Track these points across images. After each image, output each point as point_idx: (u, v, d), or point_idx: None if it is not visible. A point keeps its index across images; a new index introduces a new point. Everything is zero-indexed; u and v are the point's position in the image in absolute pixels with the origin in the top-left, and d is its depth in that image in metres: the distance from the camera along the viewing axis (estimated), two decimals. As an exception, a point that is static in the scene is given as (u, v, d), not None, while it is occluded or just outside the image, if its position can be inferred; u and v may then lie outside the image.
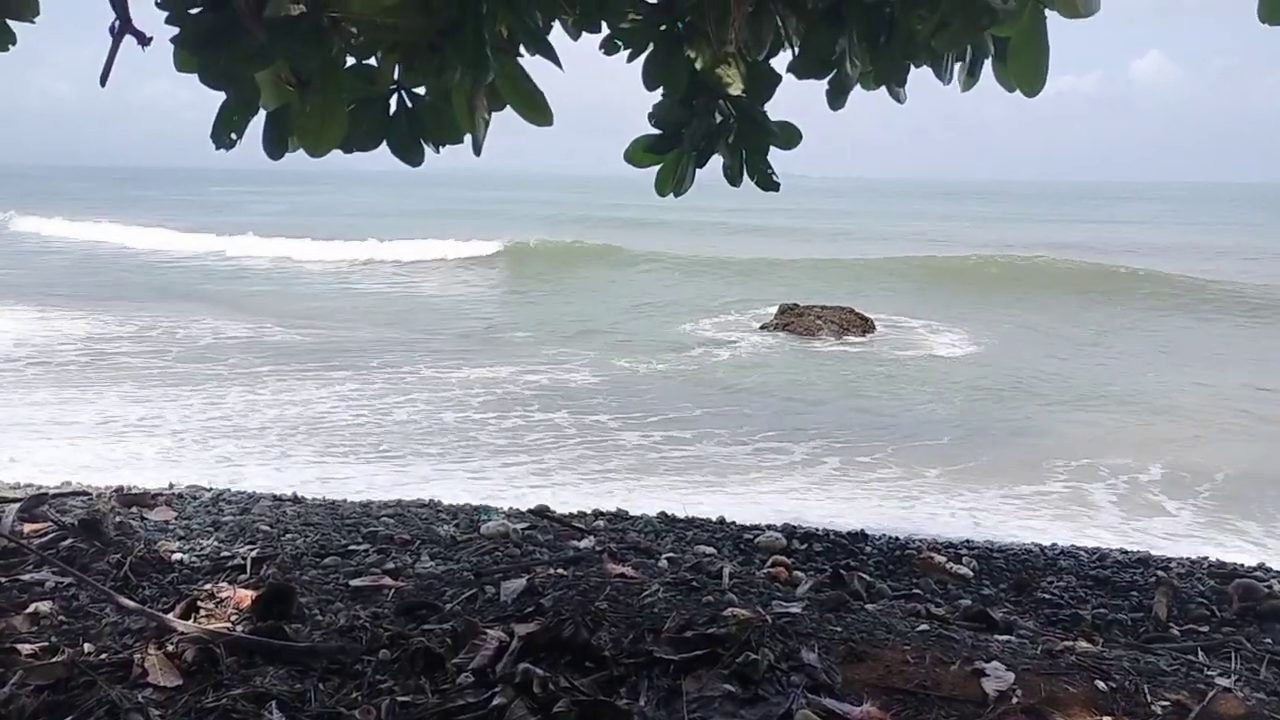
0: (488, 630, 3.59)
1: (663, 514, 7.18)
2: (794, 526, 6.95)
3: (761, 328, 21.11)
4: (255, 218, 50.44)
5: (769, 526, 6.90)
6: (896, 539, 6.76)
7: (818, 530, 6.87)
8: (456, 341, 17.83)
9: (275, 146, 2.88)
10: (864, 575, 5.31)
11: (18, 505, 5.21)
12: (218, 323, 19.25)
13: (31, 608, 3.78)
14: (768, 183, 3.46)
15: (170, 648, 3.38)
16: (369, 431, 11.10)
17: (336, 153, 2.85)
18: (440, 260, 31.45)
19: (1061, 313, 23.10)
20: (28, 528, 4.84)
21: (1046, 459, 10.80)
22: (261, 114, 2.83)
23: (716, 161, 3.50)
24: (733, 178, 3.45)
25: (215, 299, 23.14)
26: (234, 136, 2.89)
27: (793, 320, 21.20)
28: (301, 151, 2.85)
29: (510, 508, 7.05)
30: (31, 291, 22.95)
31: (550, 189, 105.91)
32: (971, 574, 5.80)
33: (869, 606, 4.49)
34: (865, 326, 21.00)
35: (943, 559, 5.97)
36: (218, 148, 2.89)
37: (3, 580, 4.06)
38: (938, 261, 30.72)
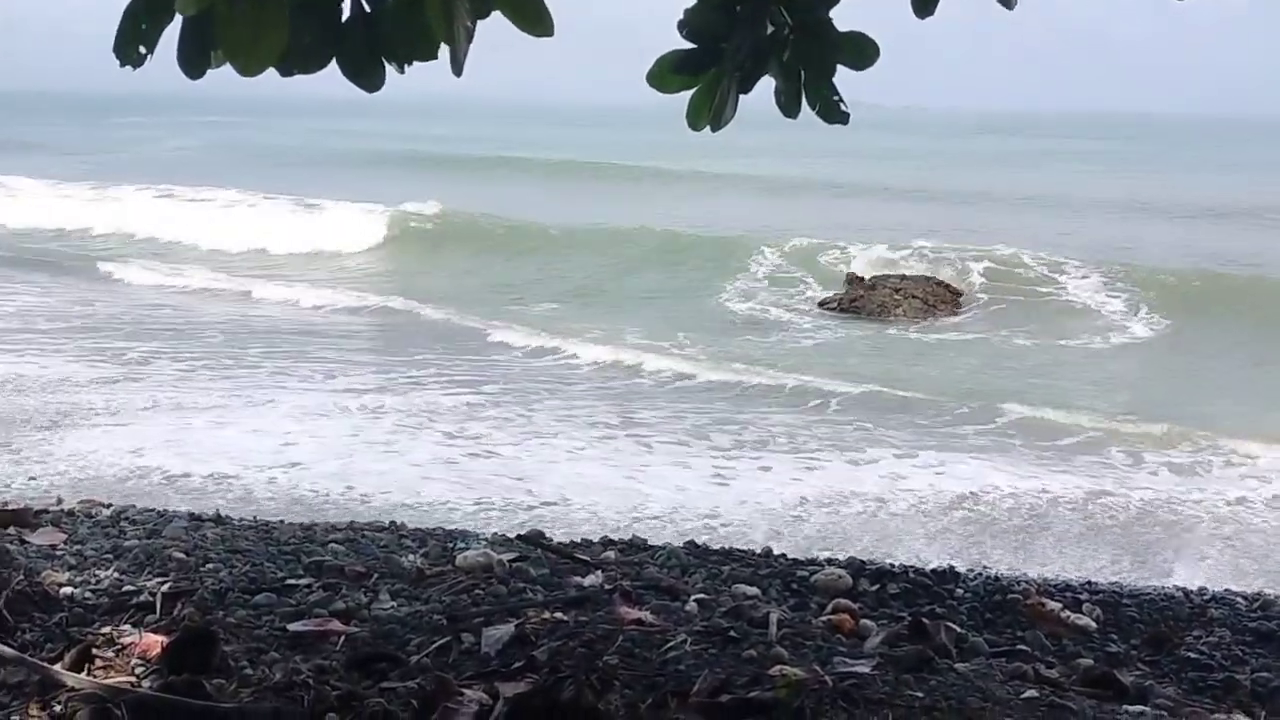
0: (465, 690, 3.61)
1: (690, 543, 7.20)
2: (862, 562, 6.95)
3: (822, 305, 21.57)
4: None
5: (830, 561, 6.89)
6: (996, 579, 6.75)
7: (893, 567, 6.86)
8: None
9: (194, 63, 2.89)
10: (953, 625, 5.30)
11: None
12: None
13: (-121, 654, 3.82)
14: (833, 113, 3.45)
15: (58, 707, 3.42)
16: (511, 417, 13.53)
17: (273, 74, 2.86)
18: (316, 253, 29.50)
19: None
20: (-126, 552, 4.91)
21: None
22: (178, 22, 2.84)
23: (765, 86, 3.49)
24: (788, 106, 3.44)
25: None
26: (143, 50, 2.90)
27: (862, 295, 21.51)
28: (228, 70, 2.86)
29: (495, 533, 7.09)
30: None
31: (553, 122, 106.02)
32: (1094, 625, 5.78)
33: (959, 666, 4.49)
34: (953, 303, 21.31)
35: (1057, 605, 5.95)
36: (123, 64, 2.90)
37: None
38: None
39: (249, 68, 2.72)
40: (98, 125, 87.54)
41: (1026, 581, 6.85)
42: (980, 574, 6.96)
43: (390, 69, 3.01)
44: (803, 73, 3.41)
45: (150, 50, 2.92)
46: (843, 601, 5.71)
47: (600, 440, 12.72)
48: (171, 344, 17.37)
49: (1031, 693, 4.09)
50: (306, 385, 14.91)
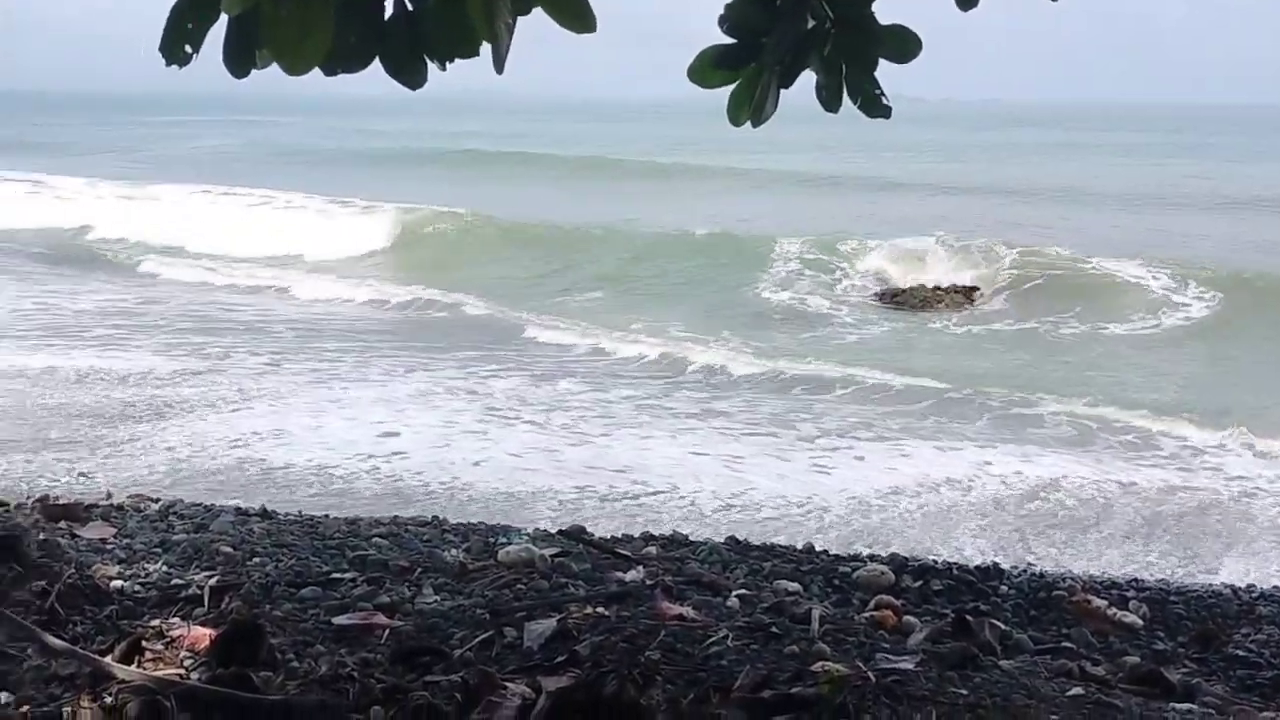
0: (507, 684, 3.63)
1: (732, 539, 7.20)
2: (904, 558, 6.93)
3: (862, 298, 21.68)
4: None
5: (871, 557, 6.88)
6: (1040, 576, 6.71)
7: (936, 563, 6.84)
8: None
9: (239, 63, 2.92)
10: (997, 622, 5.28)
11: (-82, 518, 5.37)
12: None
13: (-65, 647, 3.89)
14: (875, 106, 3.44)
15: (108, 699, 3.47)
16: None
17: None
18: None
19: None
20: (-71, 547, 4.98)
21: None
22: (223, 21, 2.87)
23: (805, 80, 3.48)
24: (829, 100, 3.43)
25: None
26: (189, 49, 2.94)
27: (904, 290, 21.62)
28: (273, 69, 2.89)
29: (536, 528, 7.13)
30: None
31: (587, 118, 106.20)
32: (1141, 623, 5.75)
33: (1003, 663, 4.47)
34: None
35: (1103, 602, 5.92)
36: (169, 63, 2.94)
37: (-100, 611, 4.18)
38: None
39: (295, 67, 2.75)
40: (135, 125, 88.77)
41: (1072, 578, 6.81)
42: (1025, 571, 6.92)
43: (432, 66, 3.03)
44: (844, 66, 3.39)
45: (196, 50, 2.96)
46: (885, 598, 5.70)
47: (685, 430, 12.99)
48: (245, 339, 17.87)
49: (1077, 690, 4.06)
50: (387, 377, 15.29)
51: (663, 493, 10.54)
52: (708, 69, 3.40)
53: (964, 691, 3.81)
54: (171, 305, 20.88)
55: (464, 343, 17.99)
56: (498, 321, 19.90)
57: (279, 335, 18.35)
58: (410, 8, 2.92)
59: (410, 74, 2.98)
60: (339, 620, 4.41)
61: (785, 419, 13.54)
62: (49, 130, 78.17)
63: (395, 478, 10.79)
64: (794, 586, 5.83)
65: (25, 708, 3.49)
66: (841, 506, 10.26)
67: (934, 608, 5.71)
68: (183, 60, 2.96)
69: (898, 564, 6.59)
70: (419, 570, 5.37)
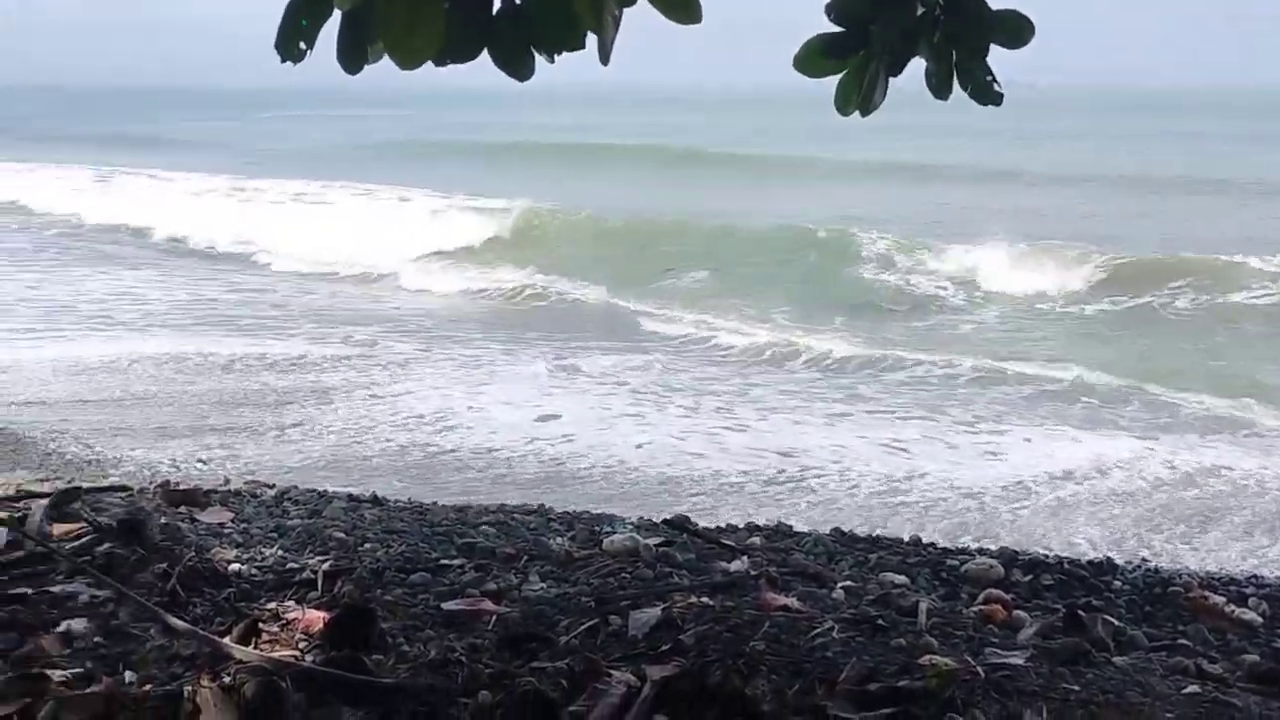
0: (613, 671, 3.66)
1: (837, 530, 7.17)
2: (1015, 553, 6.84)
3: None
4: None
5: (981, 551, 6.80)
6: (1155, 571, 6.58)
7: (1047, 557, 6.74)
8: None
9: (353, 58, 2.98)
10: (1110, 618, 5.18)
11: (46, 502, 5.56)
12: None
13: (63, 626, 4.04)
14: (986, 93, 3.39)
15: (227, 679, 3.57)
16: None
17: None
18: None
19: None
20: (58, 529, 5.17)
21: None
22: (336, 17, 2.93)
23: (914, 68, 3.44)
24: (939, 87, 3.39)
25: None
26: (303, 46, 3.00)
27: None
28: (384, 64, 2.94)
29: (641, 517, 7.17)
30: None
31: (682, 109, 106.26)
32: (1261, 620, 5.60)
33: (1117, 660, 4.39)
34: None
35: (1221, 599, 5.78)
36: (284, 59, 3.01)
37: (29, 592, 4.35)
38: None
39: (407, 60, 2.80)
40: (245, 120, 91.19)
41: (1188, 574, 6.66)
42: (1139, 566, 6.78)
43: (539, 59, 3.05)
44: (954, 53, 3.35)
45: (310, 46, 3.02)
46: (994, 592, 5.63)
47: (839, 416, 13.27)
48: (387, 327, 18.60)
49: (1193, 688, 3.97)
50: (529, 364, 15.84)
51: (825, 474, 10.77)
52: (815, 58, 3.38)
53: (1076, 688, 3.75)
54: (304, 297, 21.68)
55: (590, 332, 18.54)
56: (619, 311, 20.46)
57: (419, 324, 19.08)
58: (518, 1, 2.95)
59: (518, 66, 3.02)
60: (448, 606, 4.47)
61: (928, 404, 13.76)
62: (171, 125, 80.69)
63: (559, 459, 11.23)
64: (901, 579, 5.78)
65: (148, 686, 3.60)
66: (951, 495, 10.24)
67: (1045, 603, 5.62)
68: (298, 57, 3.03)
69: (1007, 558, 6.51)
70: (525, 558, 5.43)
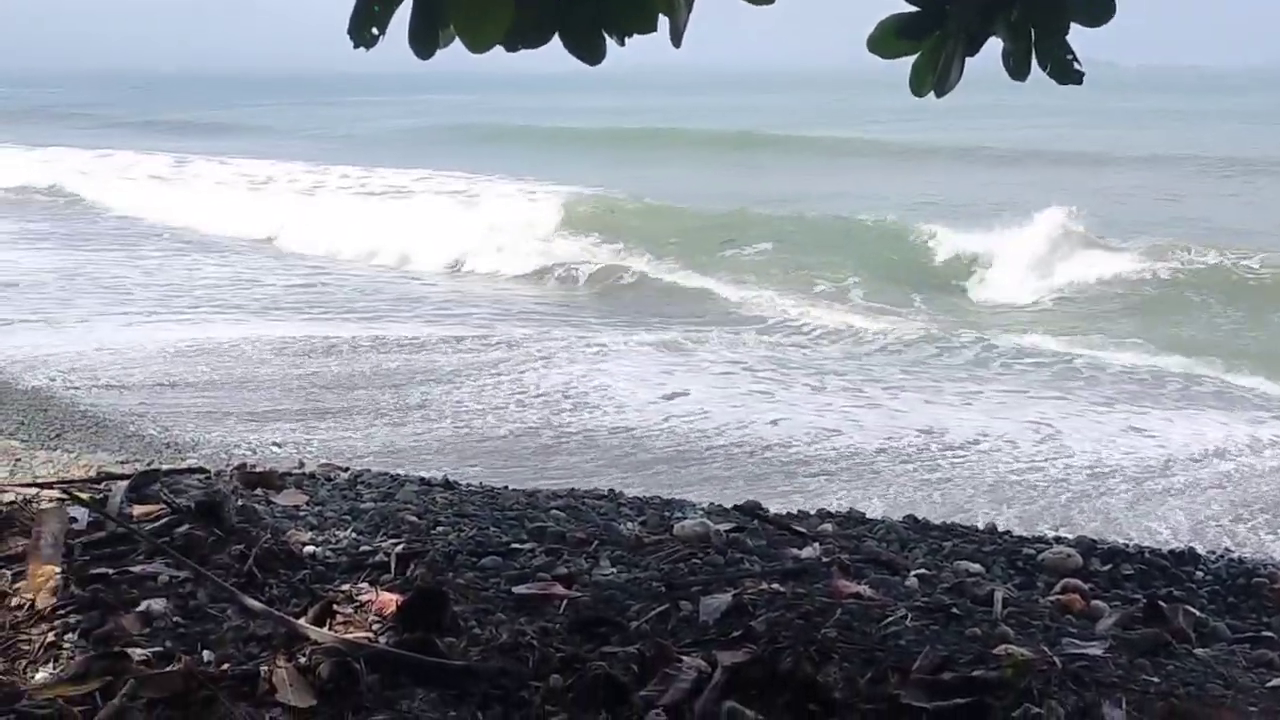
0: (683, 656, 3.66)
1: (910, 517, 7.11)
2: (1094, 541, 6.75)
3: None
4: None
5: (1059, 539, 6.71)
6: (1240, 561, 6.44)
7: (1127, 546, 6.63)
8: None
9: (424, 42, 3.00)
10: (1192, 609, 5.09)
11: (126, 484, 5.68)
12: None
13: (143, 605, 4.12)
14: (1066, 72, 3.32)
15: (302, 660, 3.63)
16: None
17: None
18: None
19: None
20: (137, 510, 5.28)
21: None
22: (408, 2, 2.95)
23: (991, 48, 3.39)
24: (1017, 67, 3.33)
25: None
26: (375, 31, 3.03)
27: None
28: (454, 49, 2.95)
29: (711, 503, 7.16)
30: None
31: (746, 90, 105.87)
32: (1350, 613, 5.46)
33: (1198, 651, 4.31)
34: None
35: (1307, 591, 5.64)
36: (356, 45, 3.03)
37: (110, 572, 4.44)
38: None
39: (478, 44, 2.81)
40: (323, 105, 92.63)
41: (1273, 565, 6.51)
42: (1222, 556, 6.64)
43: (610, 42, 3.05)
44: (1033, 31, 3.29)
45: (382, 31, 3.04)
46: (1072, 581, 5.54)
47: (973, 395, 13.58)
48: (493, 309, 19.49)
49: (1277, 681, 3.89)
50: (642, 343, 16.39)
51: (970, 454, 11.01)
52: (889, 38, 3.34)
53: (1156, 679, 3.69)
54: (401, 285, 22.19)
55: (687, 312, 19.28)
56: (710, 293, 21.04)
57: (521, 303, 20.15)
58: (589, -16, 2.95)
59: (589, 49, 3.01)
60: (519, 589, 4.50)
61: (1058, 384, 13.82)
62: (248, 112, 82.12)
63: (694, 435, 11.52)
64: (975, 568, 5.72)
65: (225, 666, 3.67)
66: (1036, 477, 10.22)
67: (1124, 593, 5.53)
68: (370, 42, 3.05)
69: (1085, 547, 6.40)
70: (596, 542, 5.44)
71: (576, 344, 16.06)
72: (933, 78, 3.33)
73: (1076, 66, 3.32)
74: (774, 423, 11.91)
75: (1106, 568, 6.00)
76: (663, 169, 39.33)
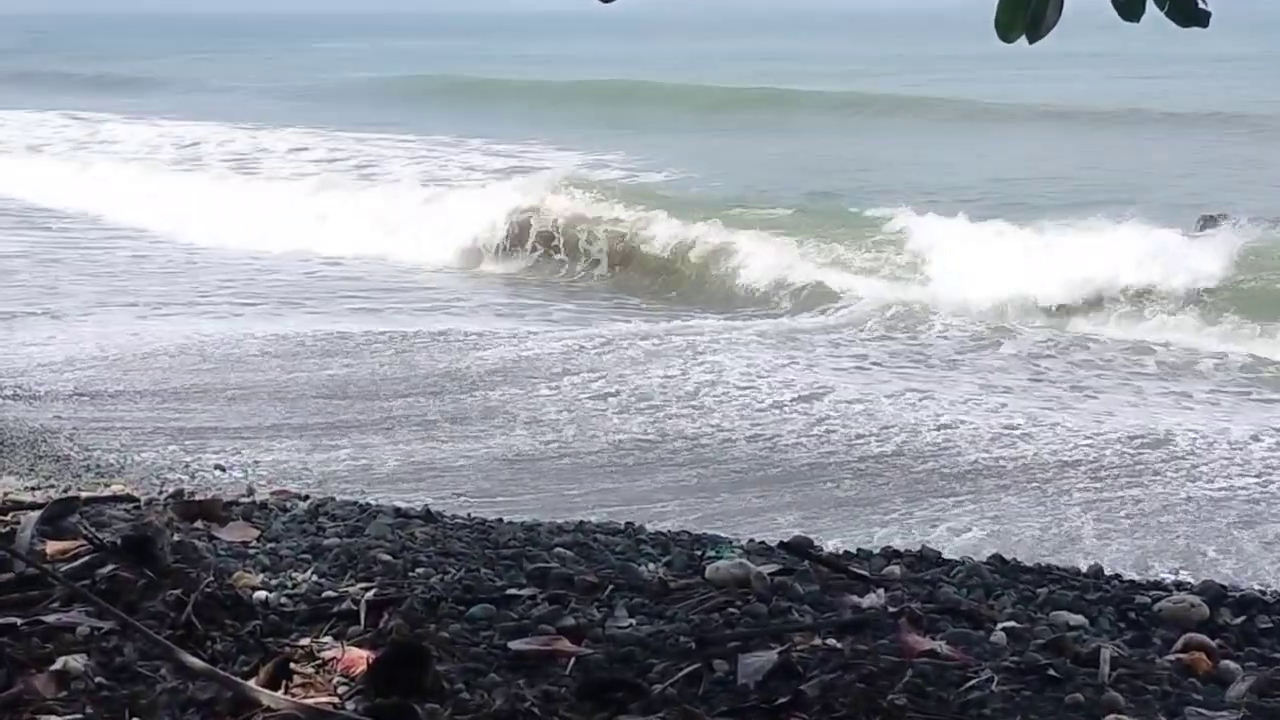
0: (718, 729, 3.66)
1: (997, 558, 7.08)
2: (1222, 588, 6.70)
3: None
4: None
5: (1179, 585, 6.67)
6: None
7: (1263, 594, 6.60)
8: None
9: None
10: (1343, 671, 5.06)
11: (38, 514, 5.69)
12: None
13: (59, 663, 4.12)
14: (1190, 13, 3.31)
15: (252, 730, 3.63)
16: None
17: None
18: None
19: None
20: (52, 546, 5.29)
21: None
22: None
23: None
24: (1128, 6, 3.32)
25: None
26: None
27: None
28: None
29: (752, 539, 7.15)
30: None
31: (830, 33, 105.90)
32: None
33: (1351, 722, 4.29)
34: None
35: None
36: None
37: (18, 621, 4.45)
38: None
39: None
40: (296, 51, 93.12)
41: None
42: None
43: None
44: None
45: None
46: (1196, 637, 5.52)
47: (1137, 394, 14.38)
48: (545, 295, 21.03)
49: None
50: (741, 330, 17.39)
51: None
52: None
53: (1299, 758, 3.68)
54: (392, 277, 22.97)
55: (771, 300, 20.44)
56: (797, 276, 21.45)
57: (579, 284, 21.65)
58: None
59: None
60: (516, 645, 4.51)
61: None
62: (179, 62, 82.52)
63: (852, 439, 11.99)
64: (1077, 619, 5.69)
65: (158, 736, 3.67)
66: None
67: (1260, 650, 5.51)
68: None
69: (1213, 594, 6.37)
70: (610, 587, 5.44)
71: (664, 334, 16.86)
72: (1025, 19, 3.33)
73: (1202, 4, 3.31)
74: (941, 427, 12.33)
75: (1239, 620, 5.97)
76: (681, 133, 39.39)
